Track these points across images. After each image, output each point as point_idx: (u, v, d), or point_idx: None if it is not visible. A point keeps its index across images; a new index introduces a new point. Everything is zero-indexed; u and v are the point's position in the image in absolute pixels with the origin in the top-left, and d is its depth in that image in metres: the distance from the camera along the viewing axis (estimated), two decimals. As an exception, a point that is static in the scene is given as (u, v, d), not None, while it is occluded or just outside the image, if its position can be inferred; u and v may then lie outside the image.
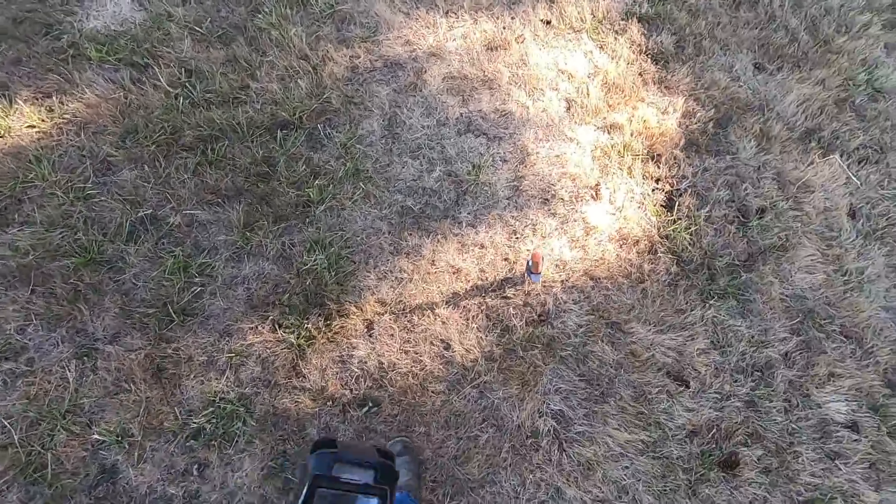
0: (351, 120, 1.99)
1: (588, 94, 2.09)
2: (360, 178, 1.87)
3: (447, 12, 2.23)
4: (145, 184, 1.77)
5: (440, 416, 1.56)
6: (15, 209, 1.72)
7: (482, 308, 1.72)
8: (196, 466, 1.45)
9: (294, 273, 1.69)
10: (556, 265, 1.79)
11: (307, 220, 1.79)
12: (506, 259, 1.79)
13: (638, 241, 1.84)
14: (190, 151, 1.84)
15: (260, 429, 1.50)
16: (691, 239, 1.83)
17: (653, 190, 1.94)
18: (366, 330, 1.66)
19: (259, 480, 1.45)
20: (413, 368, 1.61)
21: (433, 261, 1.77)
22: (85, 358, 1.55)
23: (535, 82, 2.11)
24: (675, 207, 1.89)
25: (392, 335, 1.65)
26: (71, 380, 1.51)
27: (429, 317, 1.69)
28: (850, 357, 1.69)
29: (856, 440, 1.57)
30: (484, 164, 1.94)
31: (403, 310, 1.69)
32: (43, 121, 1.88)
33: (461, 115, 2.04)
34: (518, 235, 1.83)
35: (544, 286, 1.75)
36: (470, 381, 1.61)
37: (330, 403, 1.56)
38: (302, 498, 0.55)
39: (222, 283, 1.67)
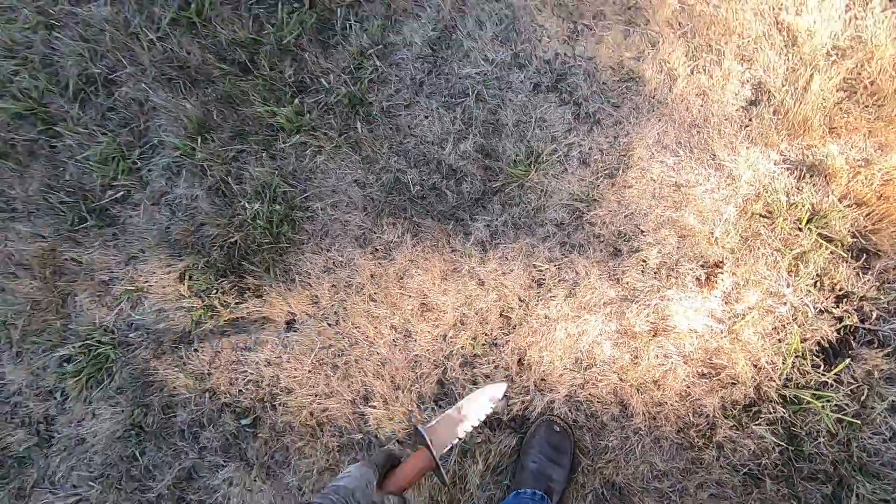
0: (387, 16, 1.29)
1: (807, 89, 1.11)
2: (358, 113, 1.26)
3: None
4: (113, 31, 1.35)
5: (310, 477, 1.17)
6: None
7: (438, 371, 1.17)
8: (61, 392, 1.29)
9: (227, 218, 1.26)
10: (577, 359, 1.12)
11: (268, 150, 1.28)
12: (506, 316, 1.16)
13: (735, 385, 1.06)
14: (169, 2, 1.35)
15: (128, 387, 1.25)
16: (836, 429, 1.01)
17: (819, 312, 1.06)
18: (282, 328, 1.24)
19: (111, 440, 1.25)
20: (312, 405, 1.19)
21: (403, 275, 1.20)
22: None
23: (716, 35, 1.16)
24: (841, 365, 1.02)
25: (310, 350, 1.21)
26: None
27: (364, 348, 1.20)
28: None
29: None
30: (549, 155, 1.18)
31: (337, 322, 1.21)
32: None
33: (555, 56, 1.23)
34: (541, 291, 1.15)
35: (541, 383, 1.12)
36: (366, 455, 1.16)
37: (208, 395, 1.24)
38: None
39: (149, 194, 1.31)
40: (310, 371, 1.21)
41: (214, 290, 1.25)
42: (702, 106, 1.16)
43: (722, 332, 1.08)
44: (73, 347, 1.27)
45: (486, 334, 1.16)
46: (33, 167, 1.37)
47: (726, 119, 1.16)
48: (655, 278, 1.12)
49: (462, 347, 1.16)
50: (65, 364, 1.28)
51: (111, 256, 1.31)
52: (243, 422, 1.22)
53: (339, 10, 1.29)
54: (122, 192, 1.32)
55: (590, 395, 1.11)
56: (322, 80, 1.28)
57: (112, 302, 1.29)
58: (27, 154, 1.37)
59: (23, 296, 1.31)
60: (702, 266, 1.11)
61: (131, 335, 1.27)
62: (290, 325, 1.24)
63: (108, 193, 1.32)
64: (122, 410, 1.25)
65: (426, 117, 1.25)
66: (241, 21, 1.32)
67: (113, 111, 1.36)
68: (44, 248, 1.32)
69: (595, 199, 1.16)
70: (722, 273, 1.09)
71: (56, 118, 1.36)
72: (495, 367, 1.15)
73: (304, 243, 1.25)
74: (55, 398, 1.29)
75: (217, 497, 1.20)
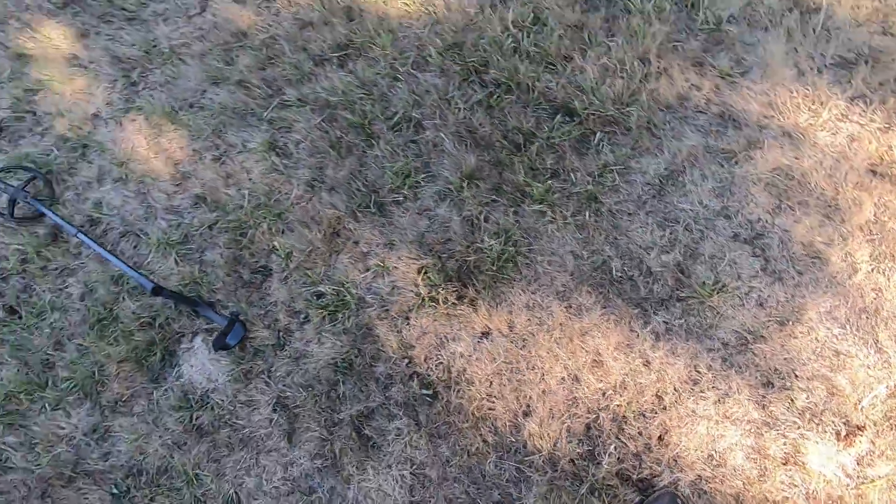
0: (634, 147, 1.73)
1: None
2: (590, 206, 1.67)
3: (853, 98, 1.63)
4: (435, 94, 1.94)
5: (460, 456, 1.46)
6: (350, 58, 2.12)
7: (590, 417, 1.45)
8: (304, 316, 1.73)
9: (468, 242, 1.70)
10: (710, 455, 1.35)
11: (515, 207, 1.72)
12: (660, 396, 1.42)
13: (848, 536, 1.22)
14: (482, 87, 1.92)
15: (352, 331, 1.67)
16: None
17: (945, 506, 1.21)
18: (479, 335, 1.60)
19: (324, 364, 1.64)
20: (483, 401, 1.51)
21: (586, 333, 1.53)
22: (313, 187, 1.91)
23: (897, 250, 1.44)
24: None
25: (494, 359, 1.56)
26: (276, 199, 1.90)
27: (537, 375, 1.52)
28: None
29: None
30: (732, 289, 1.49)
31: (523, 347, 1.56)
32: (410, 4, 2.18)
33: (758, 220, 1.57)
34: (695, 388, 1.41)
35: (673, 462, 1.36)
36: (511, 458, 1.43)
37: (405, 361, 1.61)
38: None
39: (418, 206, 1.80)
40: (489, 374, 1.54)
41: (440, 288, 1.66)
42: (875, 299, 1.42)
43: (849, 486, 1.26)
44: (327, 287, 1.73)
45: (639, 404, 1.43)
46: (348, 160, 1.93)
47: (892, 315, 1.40)
48: (799, 417, 1.34)
49: (617, 406, 1.44)
50: (316, 297, 1.74)
51: (375, 237, 1.78)
52: (425, 392, 1.56)
53: (599, 132, 1.76)
54: (400, 198, 1.82)
55: (714, 489, 1.32)
56: (571, 174, 1.72)
57: (364, 268, 1.75)
58: (347, 149, 1.95)
59: (307, 240, 1.81)
60: (844, 423, 1.31)
61: (368, 296, 1.71)
62: (485, 334, 1.60)
63: (391, 195, 1.83)
64: (342, 346, 1.66)
65: (641, 227, 1.63)
66: (526, 116, 1.83)
67: (414, 143, 1.90)
68: (333, 215, 1.84)
69: (762, 336, 1.44)
70: (861, 436, 1.29)
71: (375, 135, 1.94)
72: (639, 434, 1.40)
73: (517, 281, 1.63)
74: (298, 318, 1.74)
75: (386, 439, 1.53)
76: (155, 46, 2.30)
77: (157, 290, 1.70)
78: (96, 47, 2.35)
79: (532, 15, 1.98)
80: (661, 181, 1.67)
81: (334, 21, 2.14)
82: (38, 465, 1.71)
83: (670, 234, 1.60)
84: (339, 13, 2.15)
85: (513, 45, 1.95)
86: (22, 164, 2.16)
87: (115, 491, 1.64)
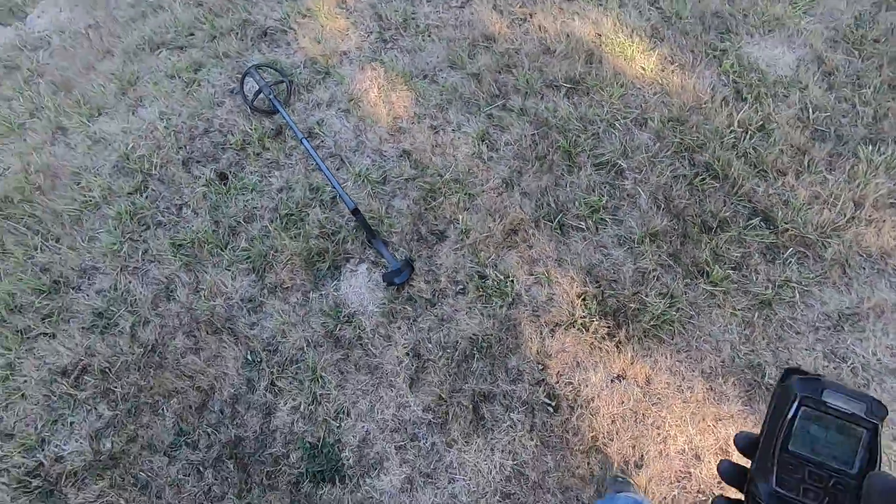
0: (822, 275, 1.78)
1: None
2: (762, 309, 1.73)
3: None
4: (642, 150, 2.09)
5: (560, 471, 1.53)
6: (578, 92, 2.32)
7: (697, 495, 1.47)
8: (461, 287, 1.89)
9: (633, 290, 1.80)
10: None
11: (687, 280, 1.81)
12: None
13: None
14: (690, 165, 2.04)
15: (499, 318, 1.80)
16: None
17: None
18: (615, 375, 1.68)
19: (465, 336, 1.78)
20: (600, 434, 1.58)
21: (720, 419, 1.57)
22: (508, 184, 2.10)
23: None
24: None
25: (622, 403, 1.63)
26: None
27: (660, 435, 1.57)
28: None
29: None
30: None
31: (653, 405, 1.62)
32: (648, 70, 2.36)
33: (929, 395, 1.56)
34: None
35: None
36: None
37: (538, 367, 1.71)
38: (791, 413, 0.53)
39: (598, 240, 1.93)
40: (614, 414, 1.61)
41: (594, 319, 1.76)
42: None
43: None
44: (491, 272, 1.88)
45: None
46: (546, 175, 2.10)
47: None
48: None
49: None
50: (479, 276, 1.89)
51: (548, 250, 1.93)
52: (548, 401, 1.66)
53: (791, 248, 1.83)
54: (583, 226, 1.96)
55: None
56: (753, 273, 1.79)
57: (529, 271, 1.89)
58: (549, 166, 2.12)
59: (487, 226, 1.99)
60: None
61: (525, 296, 1.84)
62: (621, 377, 1.68)
63: (575, 220, 1.97)
64: (487, 327, 1.79)
65: (806, 349, 1.66)
66: (725, 206, 1.93)
67: (611, 186, 2.05)
68: (518, 216, 2.00)
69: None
70: None
71: (578, 164, 2.11)
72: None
73: (668, 343, 1.71)
74: (456, 287, 1.90)
75: (499, 425, 1.63)
76: (413, 19, 2.64)
77: (356, 212, 1.93)
78: (365, 1, 2.73)
79: (760, 122, 2.10)
80: (839, 317, 1.70)
81: (575, 57, 2.36)
82: (196, 308, 1.95)
83: (834, 368, 1.62)
84: (580, 53, 2.38)
85: (733, 140, 2.07)
86: (276, 67, 2.52)
87: (249, 357, 1.84)
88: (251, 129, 2.36)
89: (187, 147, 2.39)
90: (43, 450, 1.75)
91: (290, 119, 2.24)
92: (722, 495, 0.46)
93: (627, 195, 2.01)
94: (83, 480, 1.68)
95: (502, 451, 1.61)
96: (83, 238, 2.18)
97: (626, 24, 2.44)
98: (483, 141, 2.21)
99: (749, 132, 2.08)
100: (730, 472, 0.46)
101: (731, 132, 2.08)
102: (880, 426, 0.51)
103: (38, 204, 2.29)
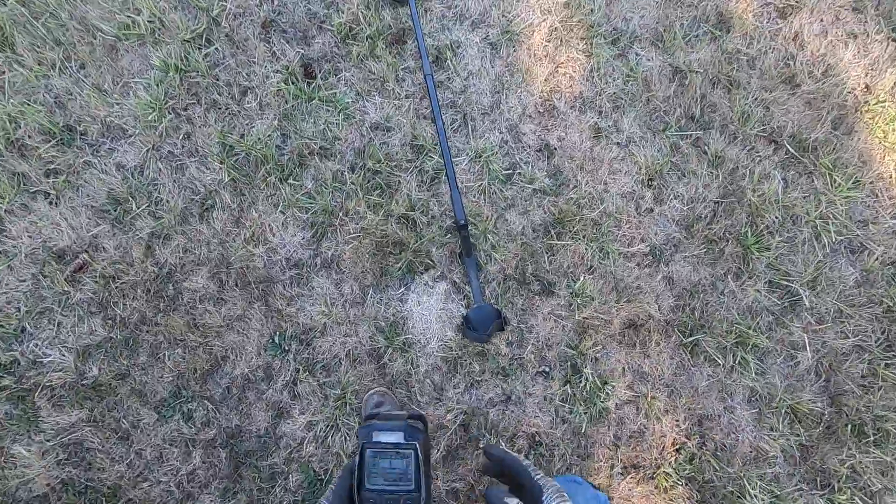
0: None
1: None
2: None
3: None
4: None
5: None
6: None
7: None
8: (545, 370, 1.53)
9: (747, 470, 1.47)
10: None
11: (813, 486, 1.48)
12: None
13: None
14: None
15: (570, 423, 1.48)
16: None
17: None
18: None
19: (522, 433, 1.48)
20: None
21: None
22: (657, 256, 1.61)
23: None
24: None
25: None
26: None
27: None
28: None
29: None
30: None
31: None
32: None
33: None
34: None
35: None
36: None
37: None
38: (360, 458, 0.71)
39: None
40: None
41: (679, 483, 1.46)
42: None
43: None
44: (588, 371, 1.50)
45: None
46: (706, 269, 1.60)
47: None
48: None
49: None
50: (572, 367, 1.52)
51: (660, 377, 1.53)
52: None
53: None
54: (721, 355, 1.54)
55: None
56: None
57: (633, 384, 1.52)
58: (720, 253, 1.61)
59: (604, 294, 1.55)
60: None
61: (613, 413, 1.50)
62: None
63: (715, 339, 1.54)
64: (552, 426, 1.48)
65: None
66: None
67: (774, 337, 1.58)
68: (644, 311, 1.55)
69: None
70: None
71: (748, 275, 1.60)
72: None
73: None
74: (538, 367, 1.53)
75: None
76: None
77: (463, 227, 1.45)
78: None
79: None
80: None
81: (819, 109, 1.67)
82: (231, 247, 1.55)
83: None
84: (830, 106, 1.67)
85: None
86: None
87: (276, 339, 1.52)
88: (365, 17, 1.69)
89: (275, 2, 1.73)
90: (21, 343, 1.49)
91: (420, 30, 1.58)
92: None
93: (789, 342, 1.56)
94: (60, 400, 1.47)
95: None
96: (114, 80, 1.65)
97: (919, 94, 1.68)
98: (651, 182, 1.63)
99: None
100: None
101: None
102: (418, 445, 0.71)
103: (66, 2, 1.69)
